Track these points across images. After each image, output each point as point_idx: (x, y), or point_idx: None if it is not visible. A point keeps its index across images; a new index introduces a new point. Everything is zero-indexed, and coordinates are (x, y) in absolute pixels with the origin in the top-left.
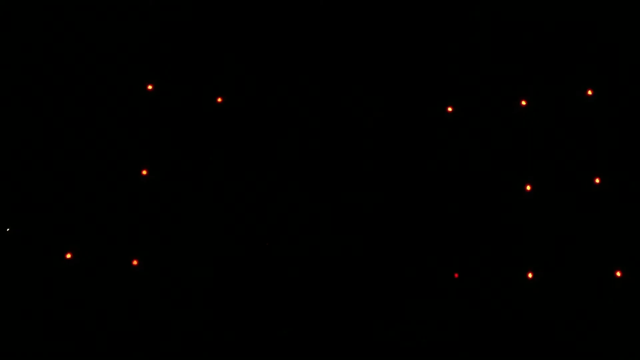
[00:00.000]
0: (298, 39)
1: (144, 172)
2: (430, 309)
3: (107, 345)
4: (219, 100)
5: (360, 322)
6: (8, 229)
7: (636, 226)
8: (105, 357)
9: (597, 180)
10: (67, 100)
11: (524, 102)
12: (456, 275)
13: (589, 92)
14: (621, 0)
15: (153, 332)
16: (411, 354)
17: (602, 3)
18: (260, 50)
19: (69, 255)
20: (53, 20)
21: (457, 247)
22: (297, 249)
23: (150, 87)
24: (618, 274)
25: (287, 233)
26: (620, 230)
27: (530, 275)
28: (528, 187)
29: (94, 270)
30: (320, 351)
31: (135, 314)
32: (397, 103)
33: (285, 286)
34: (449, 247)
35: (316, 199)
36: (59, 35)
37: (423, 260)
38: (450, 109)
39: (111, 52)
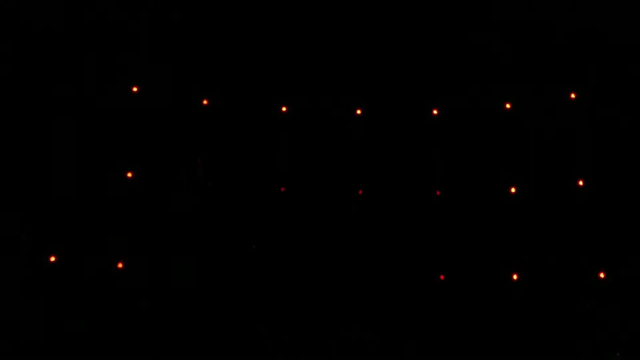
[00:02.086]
0: (285, 40)
1: (129, 175)
2: (417, 311)
3: (91, 348)
4: (205, 102)
5: (346, 324)
6: None
7: (619, 227)
8: (89, 358)
9: (581, 183)
10: (51, 103)
11: (508, 105)
12: (442, 277)
13: (572, 96)
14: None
15: (138, 334)
16: (398, 356)
17: (586, 7)
18: (247, 52)
19: (52, 258)
20: (38, 21)
21: (442, 250)
22: (285, 251)
23: (135, 89)
24: (602, 275)
25: (275, 236)
26: (603, 231)
27: (515, 277)
28: (512, 190)
29: (78, 273)
30: (307, 353)
31: (120, 317)
32: (384, 105)
33: (273, 288)
34: (435, 250)
35: (303, 201)
36: (43, 36)
37: (409, 263)
38: (435, 112)
39: (96, 53)
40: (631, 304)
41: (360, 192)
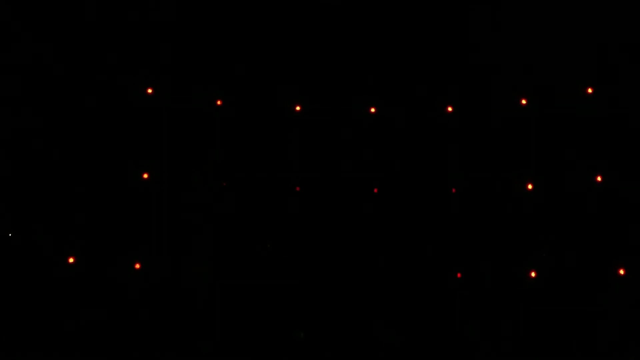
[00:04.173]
0: (297, 41)
1: (145, 176)
2: (434, 309)
3: (109, 348)
4: (219, 102)
5: (363, 322)
6: (10, 234)
7: (638, 223)
8: (108, 358)
9: (599, 179)
10: (68, 103)
11: (524, 101)
12: (459, 275)
13: (589, 91)
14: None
15: (156, 333)
16: (414, 353)
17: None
18: (260, 53)
19: (71, 260)
20: (53, 22)
21: (460, 247)
22: (300, 248)
23: (150, 90)
24: (621, 271)
25: (289, 234)
26: (623, 228)
27: (533, 274)
28: (530, 186)
29: (96, 273)
30: (323, 352)
31: (138, 317)
32: (399, 103)
33: (288, 287)
34: (452, 248)
35: (318, 199)
36: (60, 37)
37: (427, 261)
38: (450, 109)
39: (112, 54)
40: None
41: (376, 190)
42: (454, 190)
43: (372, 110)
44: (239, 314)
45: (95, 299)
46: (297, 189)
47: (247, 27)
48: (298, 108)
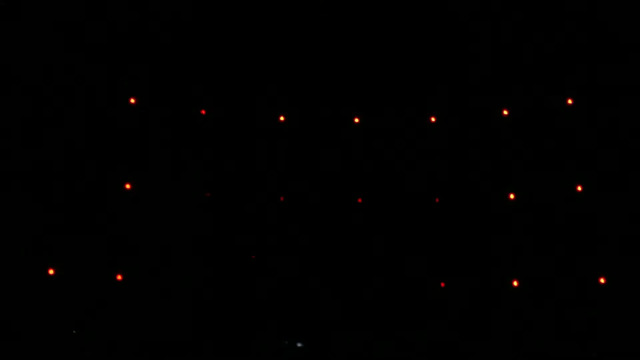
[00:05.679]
0: (279, 49)
1: (128, 186)
2: (418, 319)
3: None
4: (203, 112)
5: (351, 333)
6: None
7: (619, 232)
8: None
9: (579, 188)
10: (48, 114)
11: (505, 112)
12: (442, 284)
13: (569, 101)
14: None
15: (138, 345)
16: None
17: (581, 9)
18: (245, 61)
19: (51, 271)
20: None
21: (443, 256)
22: (284, 259)
23: (132, 100)
24: (602, 280)
25: (274, 244)
26: (603, 237)
27: (515, 283)
28: (511, 196)
29: (77, 285)
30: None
31: (120, 329)
32: (386, 111)
33: (273, 298)
34: (435, 256)
35: (301, 208)
36: (43, 47)
37: (410, 270)
38: (433, 119)
39: (94, 64)
40: (632, 309)
41: (360, 200)
42: (437, 200)
43: (356, 120)
44: (224, 327)
45: (76, 311)
46: (282, 198)
47: (229, 36)
48: (282, 118)
